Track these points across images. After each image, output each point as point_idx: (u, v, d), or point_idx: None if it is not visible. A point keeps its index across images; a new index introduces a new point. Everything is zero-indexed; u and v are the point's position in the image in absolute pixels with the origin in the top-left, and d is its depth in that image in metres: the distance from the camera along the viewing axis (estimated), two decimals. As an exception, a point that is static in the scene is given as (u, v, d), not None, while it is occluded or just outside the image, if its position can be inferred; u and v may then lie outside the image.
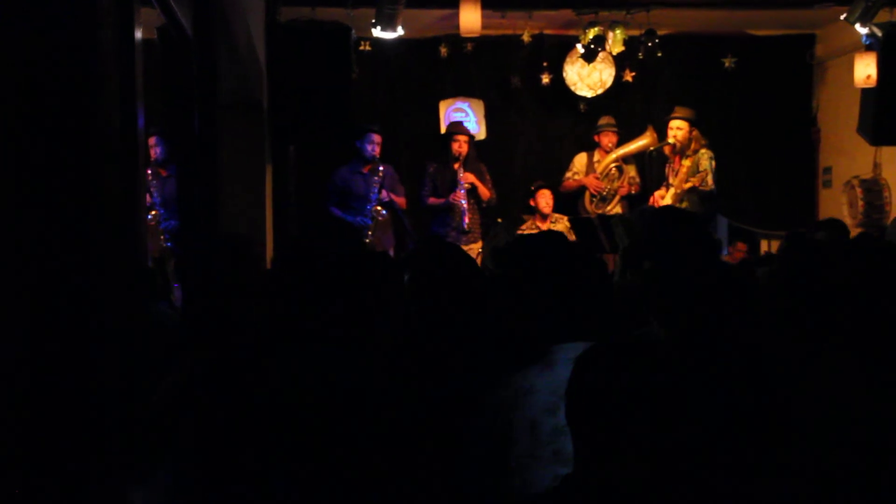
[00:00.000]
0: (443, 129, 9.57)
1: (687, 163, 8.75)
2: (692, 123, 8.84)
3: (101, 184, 2.51)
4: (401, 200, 8.96)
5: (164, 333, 3.69)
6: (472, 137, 9.25)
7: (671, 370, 2.05)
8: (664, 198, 8.81)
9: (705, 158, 8.72)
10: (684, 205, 8.61)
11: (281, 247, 8.09)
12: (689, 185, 8.67)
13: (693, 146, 8.76)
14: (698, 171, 8.68)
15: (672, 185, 8.80)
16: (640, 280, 4.21)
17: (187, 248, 4.64)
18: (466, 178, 9.01)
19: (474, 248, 9.03)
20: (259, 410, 2.81)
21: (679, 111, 8.92)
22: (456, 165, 9.05)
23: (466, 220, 8.95)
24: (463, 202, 8.97)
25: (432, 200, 9.17)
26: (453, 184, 9.03)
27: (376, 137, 8.78)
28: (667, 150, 8.91)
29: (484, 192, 9.13)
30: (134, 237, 3.03)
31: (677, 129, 8.81)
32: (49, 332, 2.33)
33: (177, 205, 7.23)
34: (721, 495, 2.25)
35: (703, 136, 8.85)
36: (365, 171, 8.89)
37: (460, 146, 9.04)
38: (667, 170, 8.99)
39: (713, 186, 8.71)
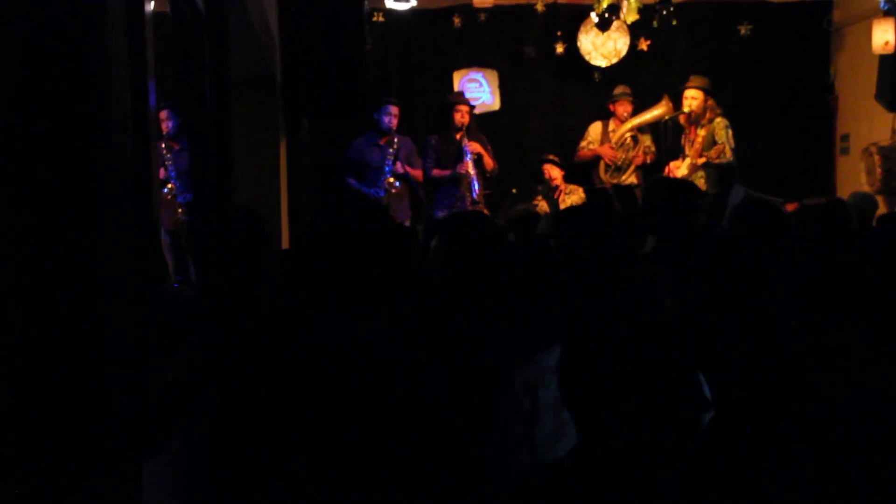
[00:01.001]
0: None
1: (702, 132, 8.69)
2: (707, 92, 8.76)
3: (111, 159, 2.51)
4: (417, 173, 8.88)
5: (179, 310, 3.70)
6: (472, 107, 9.14)
7: (671, 344, 2.05)
8: (679, 168, 8.75)
9: (721, 128, 8.64)
10: (700, 177, 8.57)
11: (302, 223, 8.12)
12: (702, 159, 8.61)
13: (708, 115, 8.69)
14: (714, 142, 8.61)
15: (688, 156, 8.75)
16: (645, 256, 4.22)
17: (200, 224, 4.63)
18: (473, 147, 8.91)
19: None
20: (280, 385, 2.80)
21: (694, 80, 8.84)
22: (459, 135, 8.89)
23: (477, 191, 8.84)
24: (472, 172, 8.84)
25: (437, 172, 8.93)
26: (458, 154, 8.87)
27: (394, 109, 8.70)
28: (682, 119, 8.84)
29: (489, 162, 9.01)
30: (146, 213, 3.04)
31: (692, 98, 8.74)
32: (59, 310, 2.34)
33: (190, 179, 7.24)
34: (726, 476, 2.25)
35: (718, 105, 8.78)
36: (382, 142, 8.83)
37: (462, 116, 8.87)
38: (682, 140, 8.93)
39: (731, 158, 8.64)
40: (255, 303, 3.28)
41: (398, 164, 8.78)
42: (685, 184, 5.31)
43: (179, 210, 8.06)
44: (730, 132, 8.63)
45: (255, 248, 3.58)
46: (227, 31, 4.81)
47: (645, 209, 4.67)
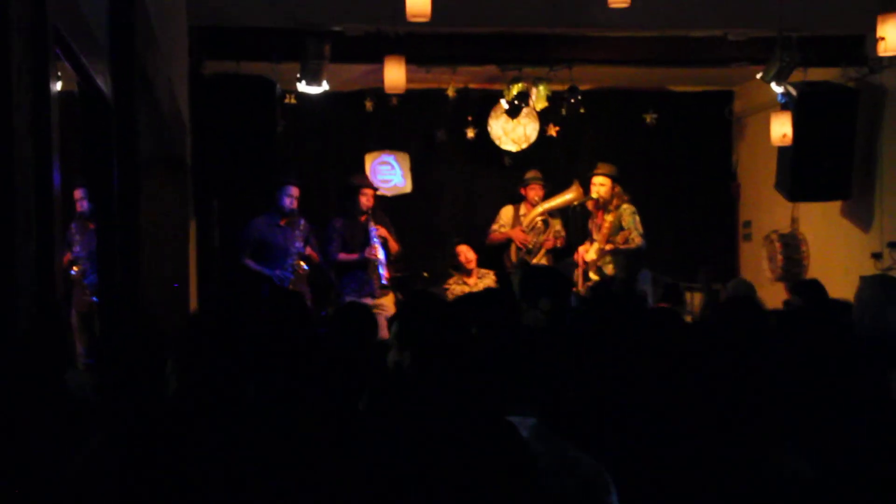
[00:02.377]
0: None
1: (610, 218, 8.88)
2: (614, 179, 8.99)
3: (10, 240, 2.45)
4: (314, 254, 8.85)
5: (81, 402, 3.62)
6: (376, 190, 9.17)
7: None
8: (588, 252, 8.91)
9: (627, 214, 8.86)
10: (608, 262, 8.74)
11: (211, 300, 8.01)
12: (610, 245, 8.79)
13: (615, 202, 8.90)
14: (621, 228, 8.80)
15: (596, 241, 8.92)
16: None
17: (104, 313, 4.54)
18: (379, 230, 8.91)
19: (386, 302, 8.88)
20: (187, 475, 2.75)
21: (602, 167, 9.06)
22: (364, 219, 8.88)
23: (385, 274, 8.80)
24: (381, 256, 8.81)
25: (343, 256, 8.87)
26: (365, 238, 8.82)
27: (294, 190, 8.62)
28: (589, 205, 9.03)
29: (393, 245, 9.01)
30: (47, 295, 2.96)
31: (600, 185, 8.96)
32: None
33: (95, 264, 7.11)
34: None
35: (625, 191, 8.99)
36: (282, 223, 8.77)
37: (368, 200, 8.88)
38: (590, 224, 9.10)
39: (640, 242, 8.85)
40: (159, 395, 3.23)
41: (307, 248, 8.74)
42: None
43: (87, 292, 7.90)
44: (636, 218, 8.85)
45: (156, 342, 3.55)
46: (134, 114, 4.77)
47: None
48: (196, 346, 3.63)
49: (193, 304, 7.59)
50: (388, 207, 9.62)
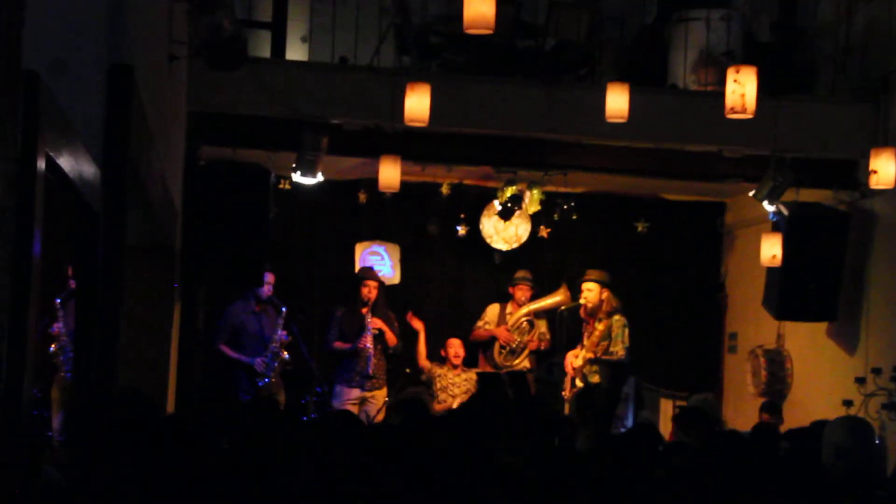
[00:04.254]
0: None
1: (600, 327, 8.88)
2: (604, 285, 8.99)
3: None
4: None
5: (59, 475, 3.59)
6: (381, 283, 9.21)
7: None
8: (577, 358, 8.91)
9: (618, 326, 8.89)
10: (595, 371, 8.73)
11: (192, 387, 7.96)
12: (591, 354, 8.79)
13: (605, 308, 8.90)
14: (610, 336, 8.80)
15: (585, 347, 8.92)
16: None
17: (77, 392, 4.50)
18: (374, 323, 8.92)
19: (378, 396, 8.91)
20: None
21: (591, 274, 9.08)
22: (364, 310, 8.96)
23: (371, 365, 8.82)
24: (369, 346, 8.84)
25: (338, 345, 9.00)
26: (361, 329, 8.91)
27: (269, 277, 8.64)
28: (582, 312, 9.04)
29: (391, 338, 9.05)
30: (18, 369, 2.90)
31: (588, 290, 8.96)
32: None
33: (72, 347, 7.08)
34: None
35: (615, 297, 8.99)
36: (257, 309, 8.78)
37: (370, 291, 8.97)
38: (583, 328, 9.11)
39: (623, 355, 8.83)
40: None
41: (284, 333, 8.72)
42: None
43: (63, 370, 7.84)
44: (626, 331, 8.87)
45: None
46: (123, 201, 4.76)
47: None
48: (163, 455, 3.61)
49: (172, 386, 7.51)
50: (387, 301, 9.58)
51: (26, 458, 3.44)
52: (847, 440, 4.14)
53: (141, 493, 3.55)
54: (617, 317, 8.90)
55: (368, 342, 8.85)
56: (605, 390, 8.18)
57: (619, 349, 8.83)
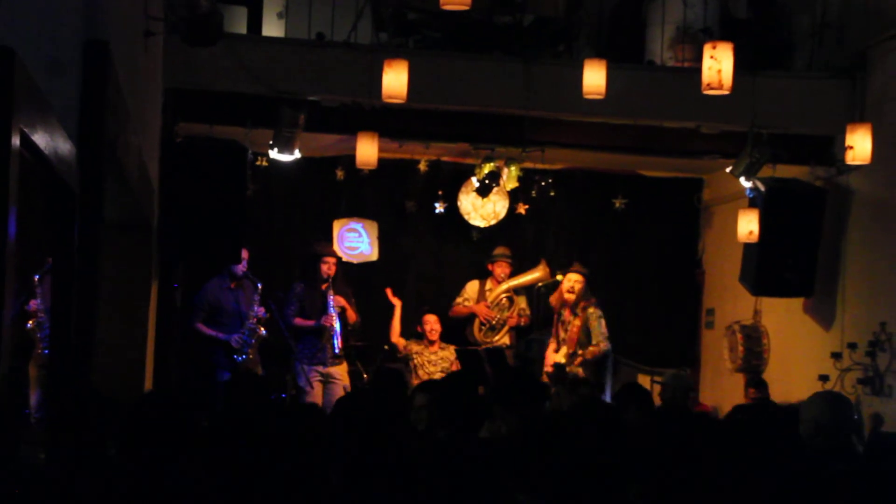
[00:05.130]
0: (336, 249, 9.48)
1: (577, 322, 8.89)
2: (586, 278, 9.04)
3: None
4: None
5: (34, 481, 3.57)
6: (339, 259, 9.15)
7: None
8: (557, 357, 8.93)
9: (594, 318, 8.93)
10: (578, 364, 8.76)
11: (169, 363, 7.93)
12: (580, 358, 8.80)
13: (582, 303, 8.93)
14: (588, 330, 8.85)
15: (563, 344, 8.92)
16: None
17: (53, 369, 4.48)
18: (337, 301, 8.89)
19: (339, 371, 8.84)
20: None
21: (577, 266, 9.13)
22: (324, 286, 8.87)
23: (339, 344, 8.78)
24: (336, 326, 8.80)
25: (299, 321, 8.88)
26: (323, 306, 8.83)
27: (244, 253, 8.61)
28: (553, 301, 9.05)
29: (351, 315, 9.00)
30: None
31: (575, 280, 8.97)
32: None
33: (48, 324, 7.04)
34: None
35: (591, 292, 9.04)
36: (233, 286, 8.75)
37: (329, 268, 8.89)
38: (555, 320, 9.11)
39: (606, 347, 8.90)
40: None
41: (261, 309, 8.68)
42: None
43: (41, 346, 7.81)
44: (602, 322, 8.93)
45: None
46: (100, 178, 4.73)
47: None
48: (140, 435, 3.60)
49: (150, 364, 7.49)
50: (354, 275, 9.57)
51: (3, 434, 3.44)
52: (825, 415, 4.17)
53: (120, 472, 3.55)
54: (591, 309, 8.95)
55: (333, 321, 8.76)
56: (593, 384, 8.24)
57: (600, 341, 8.87)
